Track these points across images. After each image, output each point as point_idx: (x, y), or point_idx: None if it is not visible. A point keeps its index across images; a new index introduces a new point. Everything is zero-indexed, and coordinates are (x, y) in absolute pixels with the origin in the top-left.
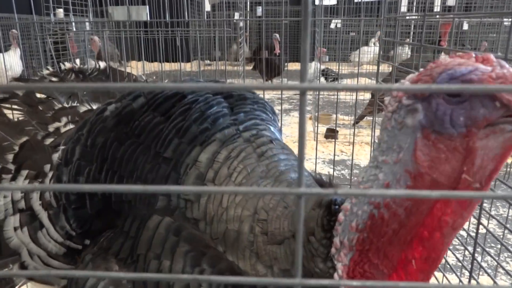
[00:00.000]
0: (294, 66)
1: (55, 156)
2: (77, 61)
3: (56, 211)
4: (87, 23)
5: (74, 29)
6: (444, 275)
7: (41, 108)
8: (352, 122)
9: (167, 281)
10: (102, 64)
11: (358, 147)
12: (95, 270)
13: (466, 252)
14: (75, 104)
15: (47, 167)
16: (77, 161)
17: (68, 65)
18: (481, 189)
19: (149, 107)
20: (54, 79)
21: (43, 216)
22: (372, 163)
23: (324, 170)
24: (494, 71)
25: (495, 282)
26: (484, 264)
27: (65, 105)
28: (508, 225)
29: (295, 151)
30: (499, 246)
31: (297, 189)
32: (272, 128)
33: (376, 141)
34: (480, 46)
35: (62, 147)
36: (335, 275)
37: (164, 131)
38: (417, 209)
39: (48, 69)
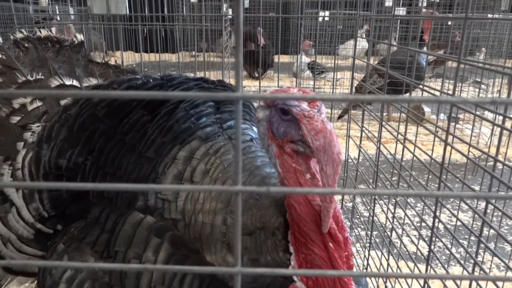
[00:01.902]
0: (282, 59)
1: (28, 135)
2: (53, 30)
3: (31, 190)
4: (70, 12)
5: (58, 18)
6: (416, 265)
7: (1, 80)
8: (336, 115)
9: (148, 280)
10: (79, 37)
11: (341, 141)
12: (71, 261)
13: (440, 244)
14: (40, 77)
15: (20, 144)
16: (61, 142)
17: (44, 32)
18: (313, 179)
19: (138, 103)
20: (26, 45)
21: (14, 196)
22: (265, 154)
23: None
24: (309, 112)
25: (467, 272)
26: (457, 255)
27: (30, 78)
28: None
29: None
30: (472, 237)
31: (234, 187)
32: (254, 128)
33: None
34: (454, 37)
35: (42, 124)
36: (290, 266)
37: (148, 131)
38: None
39: (22, 32)
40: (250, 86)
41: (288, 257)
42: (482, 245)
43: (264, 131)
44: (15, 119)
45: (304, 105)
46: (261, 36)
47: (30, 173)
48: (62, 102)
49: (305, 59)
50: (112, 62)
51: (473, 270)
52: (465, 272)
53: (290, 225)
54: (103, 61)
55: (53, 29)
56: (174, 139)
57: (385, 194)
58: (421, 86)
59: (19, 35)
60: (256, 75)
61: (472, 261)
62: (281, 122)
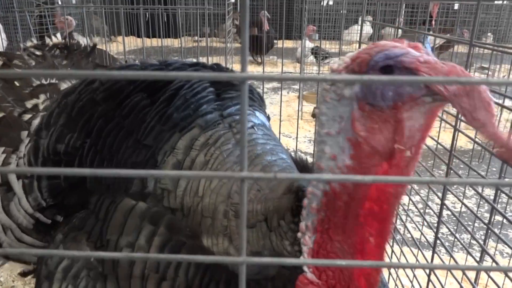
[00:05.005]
0: (285, 44)
1: (35, 122)
2: (58, 35)
3: (30, 180)
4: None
5: (60, 2)
6: (420, 250)
7: (17, 84)
8: None
9: (141, 271)
10: (90, 43)
11: None
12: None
13: (445, 230)
14: (54, 81)
15: (24, 133)
16: (60, 127)
17: (55, 40)
18: (413, 157)
19: (136, 87)
20: (37, 52)
21: (16, 185)
22: (318, 138)
23: (310, 149)
24: (422, 57)
25: (475, 259)
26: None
27: (44, 82)
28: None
29: (283, 129)
30: (476, 224)
31: (239, 173)
32: (257, 114)
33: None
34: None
35: (42, 113)
36: (301, 257)
37: (147, 117)
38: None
39: (32, 41)
40: (253, 71)
41: (296, 249)
42: (483, 232)
43: (346, 110)
44: (27, 117)
45: (410, 49)
46: (265, 20)
47: (29, 161)
48: None
49: (309, 44)
50: (114, 47)
51: (480, 258)
52: (469, 258)
53: (319, 215)
54: (110, 65)
55: (58, 36)
56: (173, 127)
57: (404, 181)
58: None
59: (29, 44)
60: (259, 60)
61: (476, 247)
62: (386, 85)
